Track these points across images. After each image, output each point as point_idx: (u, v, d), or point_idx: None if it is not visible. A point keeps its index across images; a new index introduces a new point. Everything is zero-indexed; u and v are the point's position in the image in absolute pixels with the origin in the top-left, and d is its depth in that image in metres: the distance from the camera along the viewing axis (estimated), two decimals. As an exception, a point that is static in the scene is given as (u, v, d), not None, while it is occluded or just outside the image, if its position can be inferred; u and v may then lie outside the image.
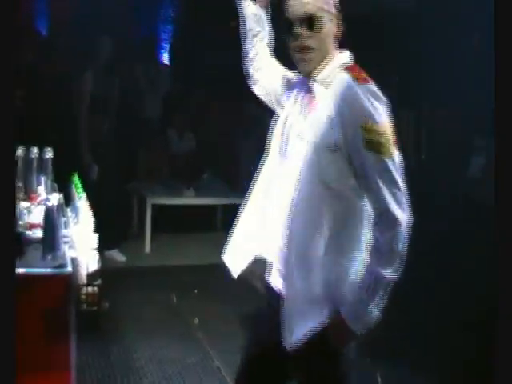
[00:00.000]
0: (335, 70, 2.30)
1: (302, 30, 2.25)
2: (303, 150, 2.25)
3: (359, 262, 2.22)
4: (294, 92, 2.46)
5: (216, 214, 7.99)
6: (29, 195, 3.85)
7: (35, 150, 3.97)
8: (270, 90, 2.65)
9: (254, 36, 2.65)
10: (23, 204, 3.68)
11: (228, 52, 10.91)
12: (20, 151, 3.91)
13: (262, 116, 8.25)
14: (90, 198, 3.93)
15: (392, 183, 2.16)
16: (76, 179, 4.10)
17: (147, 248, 6.95)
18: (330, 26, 2.28)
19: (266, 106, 2.71)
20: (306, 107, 2.36)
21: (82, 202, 3.77)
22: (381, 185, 2.15)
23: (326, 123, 2.21)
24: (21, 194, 3.86)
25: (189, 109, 8.62)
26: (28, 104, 6.67)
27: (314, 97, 2.32)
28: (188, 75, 9.91)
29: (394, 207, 2.14)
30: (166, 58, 10.78)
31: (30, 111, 6.56)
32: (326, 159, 2.20)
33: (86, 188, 4.03)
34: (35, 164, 3.91)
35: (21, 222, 3.46)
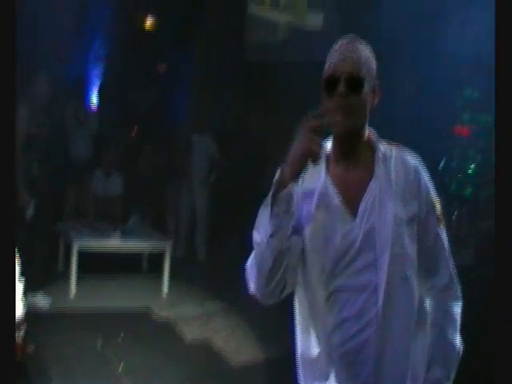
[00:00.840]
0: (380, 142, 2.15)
1: (346, 89, 2.02)
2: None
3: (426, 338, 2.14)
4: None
5: (142, 259, 7.95)
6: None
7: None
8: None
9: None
10: None
11: (155, 92, 11.00)
12: None
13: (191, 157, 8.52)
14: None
15: (450, 257, 2.16)
16: None
17: (72, 291, 6.85)
18: (369, 92, 2.08)
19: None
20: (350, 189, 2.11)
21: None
22: (447, 260, 2.15)
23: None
24: None
25: (117, 150, 8.62)
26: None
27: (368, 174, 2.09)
28: (117, 115, 9.95)
29: (456, 280, 2.15)
30: (95, 98, 10.78)
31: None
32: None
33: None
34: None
35: None
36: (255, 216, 2.07)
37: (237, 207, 7.91)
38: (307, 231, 2.06)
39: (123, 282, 7.40)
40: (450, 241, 2.16)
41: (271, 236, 1.99)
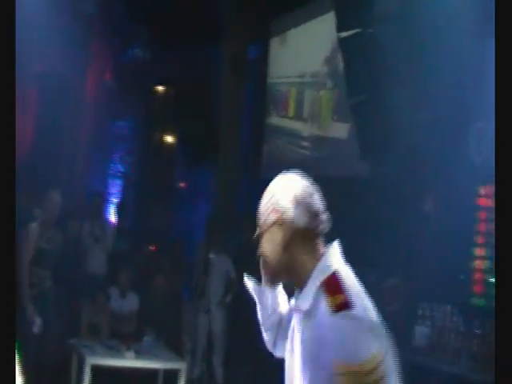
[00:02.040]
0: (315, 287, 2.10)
1: None
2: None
3: None
4: None
5: (157, 378, 7.66)
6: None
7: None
8: None
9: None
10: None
11: (171, 211, 10.97)
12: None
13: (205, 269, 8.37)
14: (25, 358, 3.69)
15: None
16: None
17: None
18: None
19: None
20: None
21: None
22: None
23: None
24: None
25: (133, 268, 8.52)
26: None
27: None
28: (135, 233, 9.89)
29: None
30: (112, 215, 10.77)
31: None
32: None
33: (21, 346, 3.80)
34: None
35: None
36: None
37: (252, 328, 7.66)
38: None
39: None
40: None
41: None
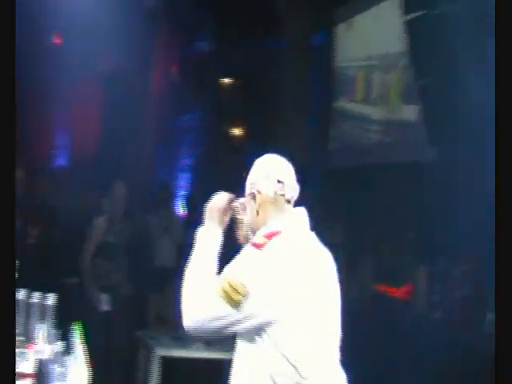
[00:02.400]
0: None
1: None
2: None
3: None
4: None
5: (226, 368, 7.61)
6: (27, 342, 3.65)
7: (37, 294, 3.81)
8: None
9: None
10: (19, 350, 3.47)
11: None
12: (21, 295, 3.74)
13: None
14: (91, 348, 3.67)
15: None
16: (77, 328, 3.85)
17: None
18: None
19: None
20: None
21: (79, 352, 3.52)
22: None
23: None
24: (19, 340, 3.66)
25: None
26: (39, 244, 6.60)
27: None
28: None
29: None
30: (180, 207, 10.81)
31: (39, 252, 6.49)
32: None
33: (87, 336, 3.78)
34: (36, 310, 3.74)
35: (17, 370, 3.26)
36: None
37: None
38: None
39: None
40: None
41: None
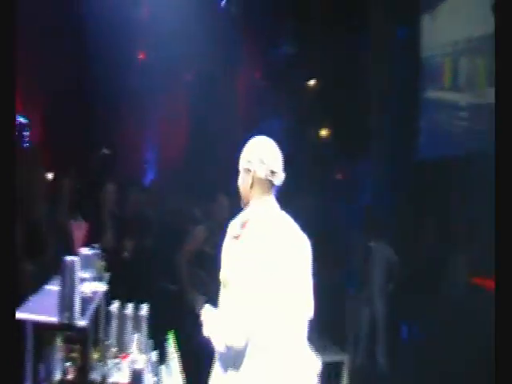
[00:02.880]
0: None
1: None
2: None
3: None
4: None
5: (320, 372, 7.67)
6: (120, 352, 3.80)
7: (130, 305, 3.96)
8: None
9: None
10: (113, 362, 3.63)
11: (329, 204, 10.85)
12: (114, 307, 3.90)
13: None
14: (183, 356, 3.81)
15: None
16: (171, 337, 4.00)
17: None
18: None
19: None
20: None
21: (173, 362, 3.67)
22: None
23: None
24: (112, 351, 3.82)
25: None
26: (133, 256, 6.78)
27: None
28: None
29: None
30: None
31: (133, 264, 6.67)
32: None
33: (180, 345, 3.93)
34: (129, 320, 3.88)
35: (109, 380, 3.40)
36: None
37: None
38: None
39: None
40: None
41: None
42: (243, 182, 3.35)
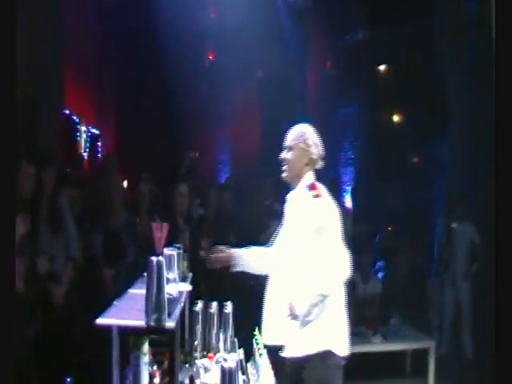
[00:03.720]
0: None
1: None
2: None
3: None
4: None
5: (406, 360, 7.56)
6: (207, 352, 3.80)
7: (214, 304, 3.96)
8: None
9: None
10: (200, 362, 3.62)
11: (408, 188, 10.62)
12: (198, 307, 3.91)
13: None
14: (270, 354, 3.76)
15: None
16: (257, 334, 3.97)
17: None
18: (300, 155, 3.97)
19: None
20: None
21: (262, 358, 3.62)
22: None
23: None
24: (198, 351, 3.82)
25: (374, 251, 8.47)
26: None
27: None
28: (371, 216, 9.80)
29: None
30: (347, 201, 10.78)
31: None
32: None
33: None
34: (213, 320, 3.89)
35: (197, 382, 3.39)
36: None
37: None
38: None
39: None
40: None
41: None
42: (297, 159, 3.97)
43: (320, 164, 3.98)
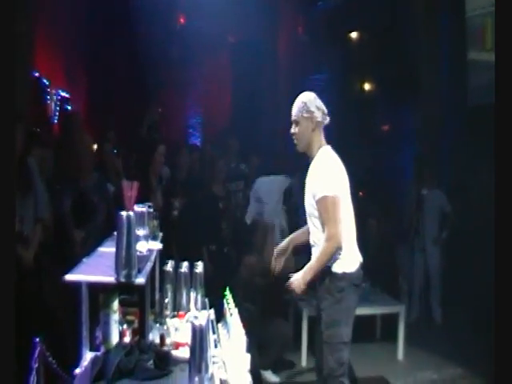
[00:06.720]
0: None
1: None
2: None
3: None
4: None
5: (375, 325, 7.64)
6: (177, 312, 3.78)
7: (185, 264, 3.94)
8: None
9: None
10: (171, 321, 3.61)
11: (377, 155, 10.65)
12: (169, 266, 3.88)
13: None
14: (241, 313, 3.75)
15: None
16: (228, 294, 3.95)
17: (303, 363, 6.72)
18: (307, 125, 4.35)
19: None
20: None
21: (233, 318, 3.62)
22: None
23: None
24: (168, 311, 3.81)
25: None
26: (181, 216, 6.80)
27: None
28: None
29: None
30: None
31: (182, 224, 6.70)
32: None
33: (236, 303, 3.87)
34: (184, 279, 3.86)
35: (168, 340, 3.38)
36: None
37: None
38: None
39: (356, 350, 7.08)
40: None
41: None
42: (304, 128, 4.32)
43: (327, 120, 4.35)
